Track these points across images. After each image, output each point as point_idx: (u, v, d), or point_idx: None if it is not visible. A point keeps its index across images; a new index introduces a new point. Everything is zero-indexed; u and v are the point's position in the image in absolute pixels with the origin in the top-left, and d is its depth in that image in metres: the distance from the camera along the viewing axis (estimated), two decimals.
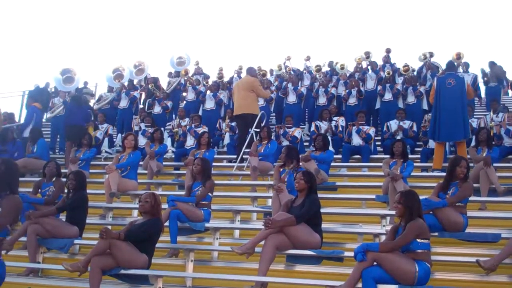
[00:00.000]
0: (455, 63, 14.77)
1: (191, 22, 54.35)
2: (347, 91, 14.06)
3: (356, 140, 11.50)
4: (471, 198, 8.70)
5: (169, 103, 15.03)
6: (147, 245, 6.39)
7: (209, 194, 7.96)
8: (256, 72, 13.07)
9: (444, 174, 9.75)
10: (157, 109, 14.88)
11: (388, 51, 17.05)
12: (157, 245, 7.92)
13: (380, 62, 16.46)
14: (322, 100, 14.21)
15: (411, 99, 13.39)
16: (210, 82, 16.82)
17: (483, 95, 16.19)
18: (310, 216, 6.46)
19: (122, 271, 6.37)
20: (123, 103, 14.82)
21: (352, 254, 6.68)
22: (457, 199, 6.86)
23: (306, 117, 14.92)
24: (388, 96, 13.58)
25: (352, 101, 13.82)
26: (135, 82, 16.68)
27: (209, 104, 14.49)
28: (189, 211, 7.66)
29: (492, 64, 16.63)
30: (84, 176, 8.06)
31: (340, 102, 14.27)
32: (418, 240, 5.50)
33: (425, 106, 13.25)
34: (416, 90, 13.36)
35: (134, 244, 6.22)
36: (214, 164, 10.96)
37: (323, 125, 12.39)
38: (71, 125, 12.43)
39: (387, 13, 51.83)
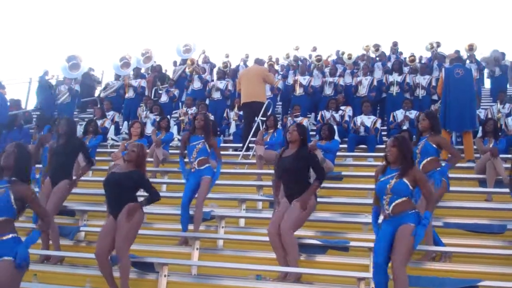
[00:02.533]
0: (468, 54, 14.73)
1: (197, 10, 54.19)
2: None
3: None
4: (478, 189, 8.73)
5: (176, 92, 15.02)
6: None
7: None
8: (264, 62, 13.05)
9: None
10: (164, 97, 14.87)
11: (395, 44, 17.05)
12: (164, 233, 8.01)
13: (387, 53, 16.42)
14: (328, 91, 14.12)
15: (418, 92, 13.32)
16: (215, 71, 16.81)
17: (488, 85, 16.12)
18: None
19: (130, 259, 6.42)
20: (130, 93, 14.79)
21: (357, 244, 6.73)
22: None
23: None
24: (395, 88, 13.47)
25: (363, 92, 13.72)
26: (142, 70, 16.66)
27: (216, 94, 14.45)
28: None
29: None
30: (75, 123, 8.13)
31: (349, 92, 14.16)
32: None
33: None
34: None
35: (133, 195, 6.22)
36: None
37: (328, 115, 12.35)
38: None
39: (394, 3, 51.53)
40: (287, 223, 6.16)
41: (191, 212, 7.61)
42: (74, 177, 7.62)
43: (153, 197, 6.31)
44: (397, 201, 5.22)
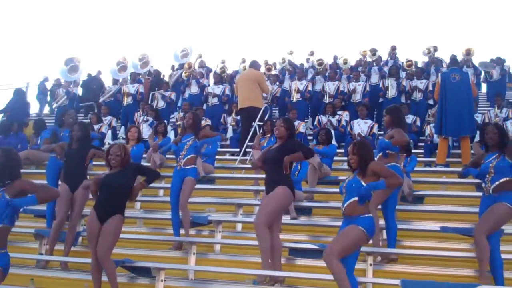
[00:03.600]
0: (465, 59, 14.77)
1: (194, 15, 54.27)
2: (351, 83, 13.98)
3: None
4: (474, 193, 8.73)
5: (173, 95, 15.01)
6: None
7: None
8: (260, 65, 13.02)
9: (447, 169, 9.83)
10: (160, 103, 14.86)
11: (393, 48, 17.08)
12: (160, 237, 7.99)
13: (385, 58, 16.45)
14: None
15: (416, 96, 13.33)
16: (211, 75, 16.82)
17: (484, 90, 16.18)
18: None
19: (126, 264, 6.41)
20: (128, 99, 14.77)
21: None
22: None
23: (309, 111, 14.85)
24: (392, 92, 13.49)
25: (357, 98, 13.71)
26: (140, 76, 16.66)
27: (213, 99, 14.42)
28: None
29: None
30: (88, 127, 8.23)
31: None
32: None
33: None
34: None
35: (123, 200, 6.22)
36: (217, 157, 10.97)
37: (325, 119, 12.35)
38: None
39: (392, 8, 51.68)
40: (261, 217, 6.20)
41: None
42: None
43: (152, 175, 6.46)
44: (348, 202, 5.29)
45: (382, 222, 6.95)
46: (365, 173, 5.27)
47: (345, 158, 10.78)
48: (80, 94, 16.82)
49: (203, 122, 12.06)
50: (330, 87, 14.03)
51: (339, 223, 7.77)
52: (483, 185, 6.12)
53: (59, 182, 7.97)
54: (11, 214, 5.15)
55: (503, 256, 6.42)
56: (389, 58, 16.98)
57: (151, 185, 9.75)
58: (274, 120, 12.07)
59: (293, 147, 6.46)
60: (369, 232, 5.22)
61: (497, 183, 5.94)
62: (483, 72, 16.05)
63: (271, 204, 6.25)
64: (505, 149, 6.04)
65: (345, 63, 15.88)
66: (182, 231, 7.66)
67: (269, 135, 10.54)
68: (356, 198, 5.24)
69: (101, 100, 15.65)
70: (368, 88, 13.78)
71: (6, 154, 5.20)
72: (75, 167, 7.57)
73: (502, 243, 6.64)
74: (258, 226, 6.20)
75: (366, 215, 5.24)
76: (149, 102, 15.07)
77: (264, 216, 6.20)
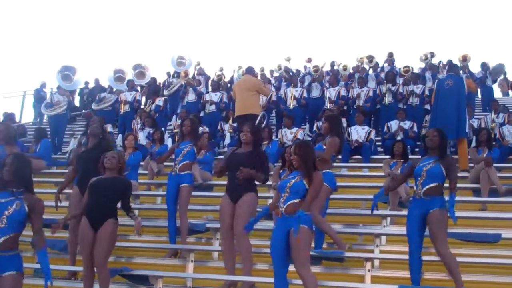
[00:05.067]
0: (461, 65, 14.80)
1: (191, 21, 54.38)
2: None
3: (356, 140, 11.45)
4: (472, 198, 8.76)
5: (160, 100, 14.97)
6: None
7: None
8: (255, 71, 13.04)
9: None
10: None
11: (390, 55, 17.13)
12: (158, 245, 7.98)
13: (382, 64, 16.51)
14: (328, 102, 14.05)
15: (412, 100, 13.33)
16: (209, 83, 16.85)
17: (479, 95, 16.24)
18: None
19: (124, 272, 6.40)
20: (126, 107, 14.78)
21: (352, 254, 6.74)
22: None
23: (307, 118, 14.84)
24: (388, 98, 13.48)
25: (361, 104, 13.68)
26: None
27: (210, 107, 14.45)
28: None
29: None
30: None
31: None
32: None
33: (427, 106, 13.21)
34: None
35: (114, 204, 6.19)
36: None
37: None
38: None
39: (389, 14, 51.82)
40: (241, 228, 6.17)
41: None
42: None
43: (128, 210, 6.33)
44: (290, 202, 5.32)
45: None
46: (306, 175, 5.35)
47: (342, 164, 10.98)
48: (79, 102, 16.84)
49: (201, 129, 12.09)
50: (331, 92, 14.02)
51: (336, 229, 7.84)
52: (415, 188, 6.17)
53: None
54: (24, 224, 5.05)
55: (500, 261, 6.47)
56: (386, 64, 17.00)
57: (148, 192, 9.87)
58: (272, 127, 12.14)
59: (261, 159, 6.57)
60: (311, 228, 5.37)
61: (427, 186, 5.98)
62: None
63: (246, 212, 6.27)
64: (445, 156, 6.10)
65: (345, 69, 15.90)
66: (178, 239, 7.65)
67: (266, 142, 10.56)
68: (299, 200, 5.32)
69: (97, 108, 15.57)
70: (371, 93, 13.75)
71: (20, 159, 5.05)
72: (86, 171, 7.19)
73: (499, 247, 6.68)
74: (239, 236, 6.28)
75: (307, 213, 5.33)
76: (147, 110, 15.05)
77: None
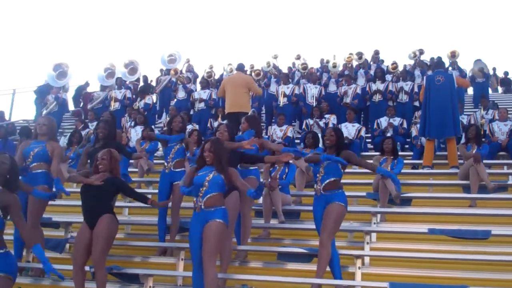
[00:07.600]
0: (450, 61, 14.87)
1: (182, 19, 54.24)
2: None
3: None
4: (462, 195, 8.79)
5: (152, 97, 14.89)
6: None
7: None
8: (246, 70, 13.01)
9: (433, 171, 9.88)
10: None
11: (376, 52, 17.18)
12: (148, 243, 7.94)
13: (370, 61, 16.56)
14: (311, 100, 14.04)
15: (402, 97, 13.36)
16: (198, 81, 16.83)
17: (470, 91, 16.30)
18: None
19: (114, 270, 6.37)
20: (116, 105, 14.71)
21: (342, 252, 6.74)
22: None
23: (297, 115, 14.81)
24: (378, 96, 13.49)
25: (348, 101, 13.69)
26: (127, 82, 16.58)
27: (200, 105, 14.41)
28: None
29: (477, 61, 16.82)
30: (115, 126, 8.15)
31: (334, 101, 14.12)
32: None
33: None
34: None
35: (108, 202, 6.16)
36: None
37: (311, 122, 12.36)
38: None
39: (377, 11, 51.93)
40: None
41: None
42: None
43: (142, 200, 6.35)
44: (211, 194, 5.57)
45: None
46: (221, 170, 5.62)
47: None
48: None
49: (191, 127, 12.05)
50: (312, 89, 14.04)
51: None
52: (315, 185, 6.33)
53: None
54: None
55: (490, 257, 6.50)
56: (372, 62, 17.04)
57: (139, 190, 9.78)
58: (262, 125, 12.08)
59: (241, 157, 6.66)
60: (226, 222, 5.67)
61: (326, 181, 6.16)
62: (467, 74, 16.13)
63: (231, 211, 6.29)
64: (342, 150, 6.29)
65: (335, 66, 15.90)
66: (167, 237, 7.62)
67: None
68: (219, 192, 5.63)
69: (89, 106, 15.55)
70: (358, 90, 13.76)
71: (11, 163, 5.00)
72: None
73: (489, 244, 6.71)
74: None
75: (224, 207, 5.65)
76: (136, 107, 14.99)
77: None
